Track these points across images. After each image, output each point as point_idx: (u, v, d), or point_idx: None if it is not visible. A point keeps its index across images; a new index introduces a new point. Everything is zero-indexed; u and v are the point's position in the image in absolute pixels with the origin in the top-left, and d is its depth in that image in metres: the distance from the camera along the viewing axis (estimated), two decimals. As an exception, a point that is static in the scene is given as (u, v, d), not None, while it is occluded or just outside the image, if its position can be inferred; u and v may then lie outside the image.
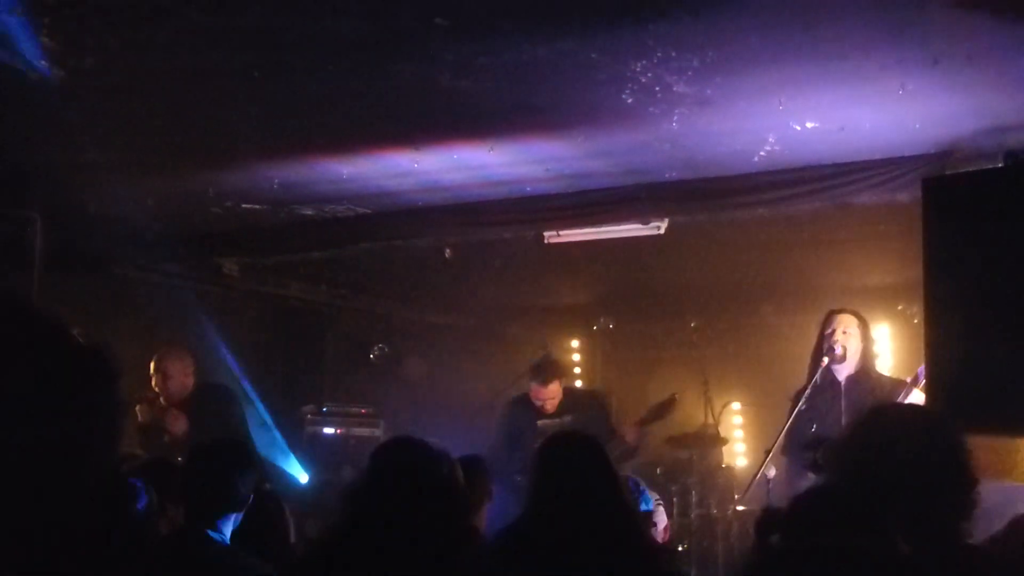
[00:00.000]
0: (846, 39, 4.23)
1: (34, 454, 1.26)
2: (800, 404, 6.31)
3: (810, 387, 6.35)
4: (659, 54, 4.41)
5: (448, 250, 7.95)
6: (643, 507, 4.98)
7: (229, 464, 4.16)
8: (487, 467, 5.59)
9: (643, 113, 5.17)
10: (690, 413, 9.32)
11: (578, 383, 11.44)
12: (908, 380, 6.09)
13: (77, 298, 7.68)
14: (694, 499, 9.08)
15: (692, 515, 9.00)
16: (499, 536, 4.22)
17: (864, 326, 6.54)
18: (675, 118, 5.26)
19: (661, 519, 5.58)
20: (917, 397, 5.80)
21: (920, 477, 2.66)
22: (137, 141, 5.86)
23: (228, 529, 4.06)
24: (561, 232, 7.29)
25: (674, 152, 5.88)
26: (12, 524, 1.23)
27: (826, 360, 6.38)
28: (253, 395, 8.85)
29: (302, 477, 9.22)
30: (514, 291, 10.42)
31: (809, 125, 5.37)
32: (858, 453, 2.81)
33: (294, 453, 9.33)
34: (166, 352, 7.40)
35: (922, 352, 5.31)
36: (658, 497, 5.73)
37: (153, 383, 7.28)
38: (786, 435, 6.27)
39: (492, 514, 5.44)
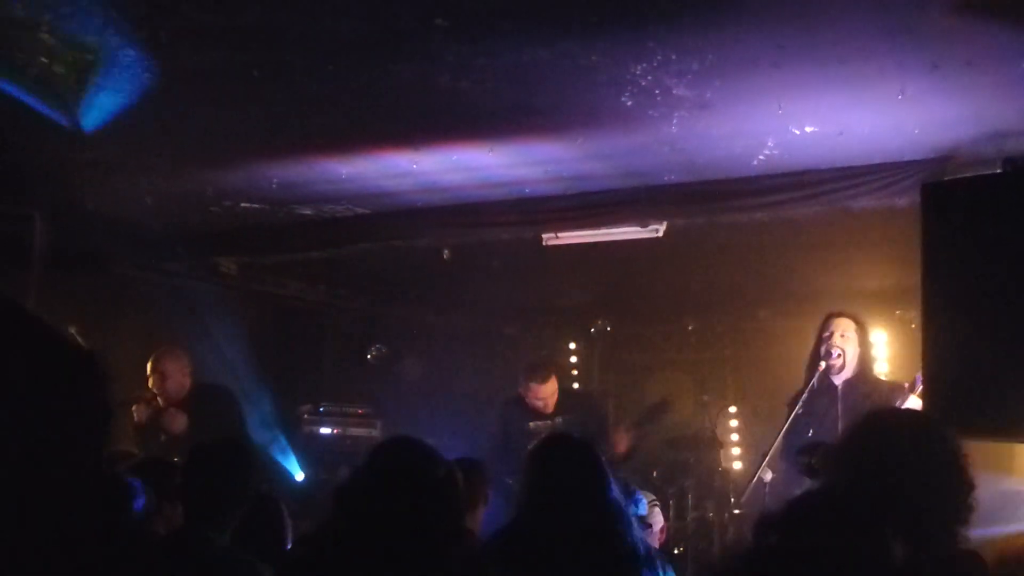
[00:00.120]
0: (846, 43, 4.24)
1: (20, 454, 1.25)
2: (797, 408, 6.31)
3: (807, 391, 6.35)
4: (659, 57, 4.41)
5: (446, 251, 7.95)
6: (635, 510, 4.97)
7: (229, 465, 4.16)
8: (485, 470, 5.60)
9: (642, 116, 5.17)
10: (687, 416, 9.33)
11: (575, 385, 11.44)
12: (906, 385, 6.09)
13: (76, 297, 7.69)
14: (691, 502, 9.09)
15: (689, 518, 9.02)
16: (493, 538, 4.22)
17: (862, 330, 6.55)
18: (674, 121, 5.26)
19: (657, 520, 5.59)
20: (914, 403, 5.80)
21: (917, 482, 2.66)
22: (136, 140, 5.86)
23: (228, 529, 4.06)
24: (560, 234, 7.29)
25: (673, 155, 5.89)
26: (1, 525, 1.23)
27: (823, 364, 6.38)
28: (250, 394, 8.84)
29: (298, 476, 9.22)
30: (512, 292, 10.42)
31: (808, 129, 5.37)
32: (855, 458, 2.81)
33: (291, 452, 9.33)
34: (163, 352, 7.40)
35: (919, 357, 5.31)
36: (654, 498, 5.74)
37: (151, 383, 7.28)
38: (783, 439, 6.27)
39: (484, 517, 5.44)
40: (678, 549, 8.63)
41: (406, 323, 11.43)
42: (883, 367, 7.94)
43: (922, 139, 5.49)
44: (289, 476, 9.18)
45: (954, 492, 2.67)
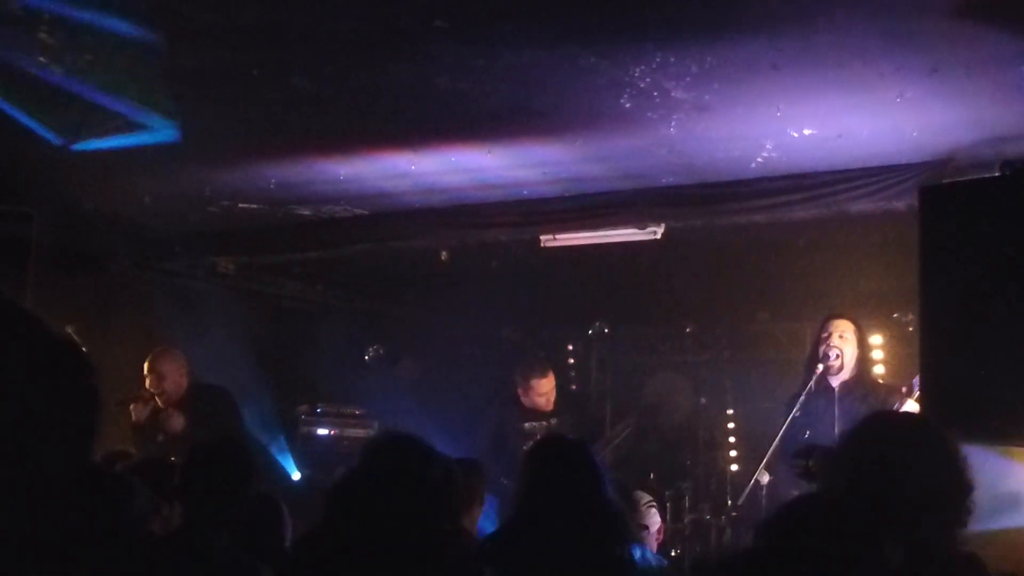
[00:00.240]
0: (845, 47, 4.24)
1: (5, 447, 1.25)
2: (794, 410, 6.31)
3: (805, 393, 6.35)
4: (658, 59, 4.41)
5: (444, 252, 7.95)
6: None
7: (229, 465, 4.15)
8: (482, 471, 5.59)
9: (641, 118, 5.17)
10: (684, 418, 9.33)
11: (572, 387, 11.42)
12: (903, 389, 6.09)
13: (74, 296, 7.68)
14: (688, 504, 9.08)
15: (686, 520, 9.00)
16: (488, 539, 4.22)
17: (860, 332, 6.55)
18: (673, 123, 5.26)
19: (654, 521, 5.58)
20: (912, 406, 5.80)
21: (915, 485, 2.66)
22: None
23: (227, 530, 4.05)
24: (558, 235, 7.29)
25: (671, 157, 5.89)
26: None
27: (821, 366, 6.38)
28: (248, 394, 8.84)
29: (295, 476, 9.21)
30: (510, 294, 10.41)
31: (807, 132, 5.38)
32: (853, 461, 2.81)
33: (288, 452, 9.32)
34: (161, 352, 7.39)
35: (917, 360, 5.31)
36: (651, 499, 5.73)
37: (148, 383, 7.27)
38: (780, 441, 6.27)
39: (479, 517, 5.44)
40: (675, 551, 8.62)
41: (404, 324, 11.41)
42: (880, 370, 7.94)
43: (920, 142, 5.49)
44: (286, 476, 9.17)
45: (952, 495, 2.67)
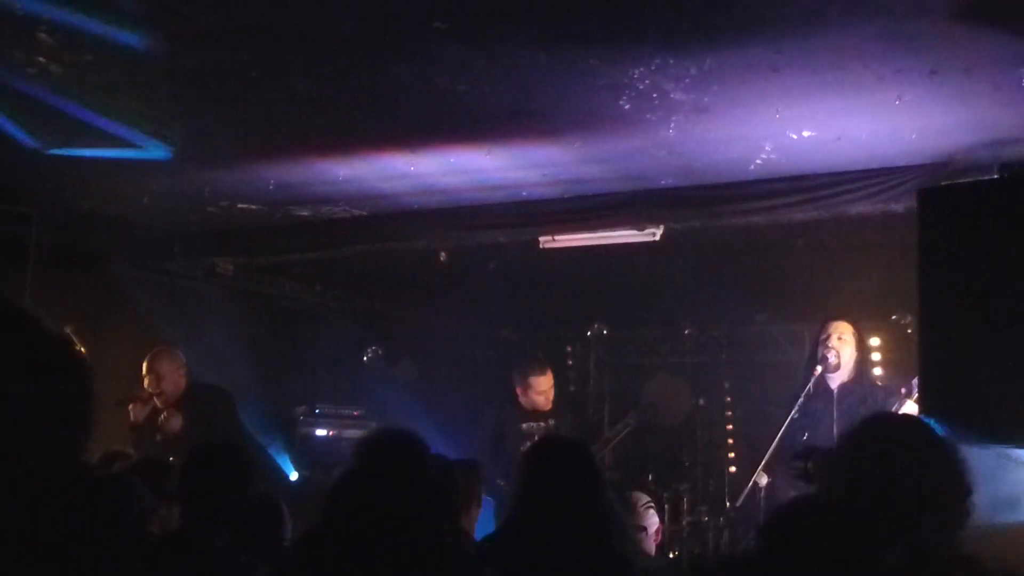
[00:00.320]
0: (844, 49, 4.24)
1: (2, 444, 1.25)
2: (793, 411, 6.32)
3: (803, 394, 6.36)
4: (657, 61, 4.41)
5: (443, 253, 7.95)
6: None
7: (228, 466, 4.15)
8: (480, 472, 5.59)
9: (640, 119, 5.18)
10: (682, 420, 9.33)
11: (570, 388, 11.42)
12: (902, 390, 6.10)
13: (72, 295, 7.68)
14: (686, 505, 9.08)
15: (683, 522, 9.00)
16: (485, 540, 4.22)
17: (858, 334, 6.56)
18: (672, 125, 5.26)
19: (652, 522, 5.58)
20: (911, 408, 5.80)
21: (913, 486, 2.66)
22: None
23: (225, 530, 4.05)
24: (556, 237, 7.29)
25: (670, 159, 5.89)
26: None
27: (819, 368, 6.39)
28: (246, 395, 8.84)
29: (292, 476, 9.21)
30: (508, 295, 10.42)
31: (806, 134, 5.38)
32: (851, 462, 2.81)
33: (285, 453, 9.32)
34: (159, 352, 7.39)
35: (915, 362, 5.31)
36: (649, 500, 5.73)
37: (146, 383, 7.26)
38: (778, 442, 6.28)
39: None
40: (673, 553, 8.62)
41: (402, 325, 11.42)
42: (879, 371, 7.95)
43: (919, 145, 5.50)
44: (283, 476, 9.17)
45: (951, 496, 2.67)
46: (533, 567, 3.69)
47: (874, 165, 5.88)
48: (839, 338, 6.46)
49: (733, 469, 10.36)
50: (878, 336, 8.22)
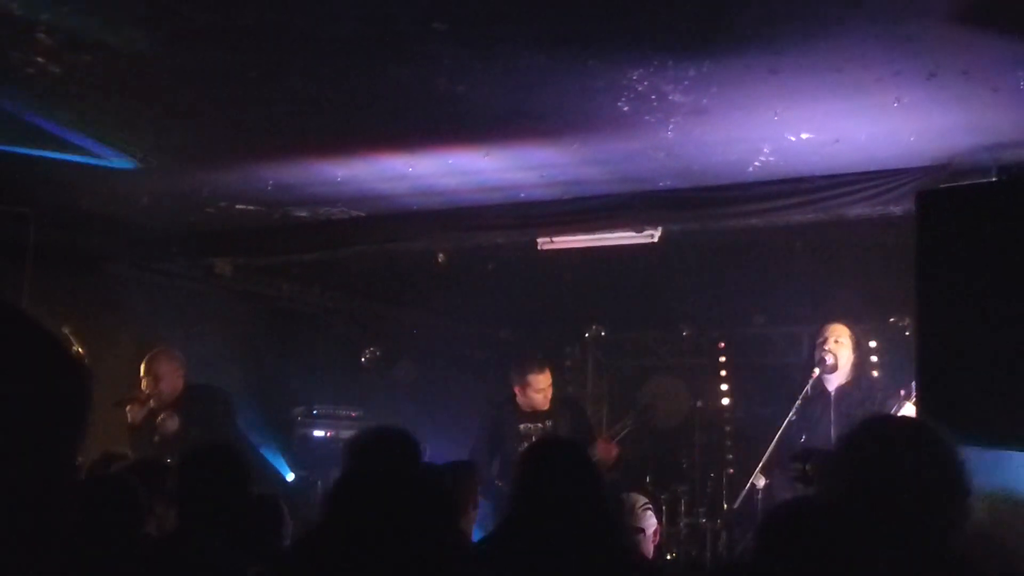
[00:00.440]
0: (842, 51, 4.24)
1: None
2: (791, 414, 6.32)
3: (801, 397, 6.37)
4: (656, 63, 4.41)
5: (441, 254, 7.95)
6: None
7: (224, 468, 4.15)
8: (477, 473, 5.59)
9: (639, 121, 5.18)
10: (680, 422, 9.33)
11: (568, 390, 11.42)
12: (901, 392, 6.10)
13: (70, 296, 7.68)
14: (683, 508, 9.08)
15: (681, 524, 9.00)
16: (484, 541, 4.21)
17: (855, 337, 6.56)
18: (670, 127, 5.26)
19: (650, 523, 5.57)
20: (910, 410, 5.81)
21: (912, 488, 2.66)
22: (132, 140, 5.85)
23: (222, 532, 4.05)
24: (555, 238, 7.29)
25: (669, 161, 5.89)
26: None
27: (817, 370, 6.39)
28: (244, 396, 8.83)
29: (289, 477, 9.21)
30: (507, 297, 10.42)
31: (804, 136, 5.38)
32: (849, 464, 2.81)
33: (283, 454, 9.31)
34: (158, 354, 7.38)
35: (914, 364, 5.32)
36: (647, 501, 5.72)
37: (144, 384, 7.26)
38: (776, 445, 6.28)
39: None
40: (671, 555, 8.62)
41: (400, 326, 11.42)
42: (877, 374, 7.95)
43: (918, 147, 5.50)
44: (280, 477, 9.17)
45: (950, 498, 2.67)
46: (531, 568, 3.68)
47: (872, 167, 5.88)
48: (836, 341, 6.47)
49: (731, 471, 10.37)
50: (876, 339, 8.23)
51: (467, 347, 11.83)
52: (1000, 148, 5.36)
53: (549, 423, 7.59)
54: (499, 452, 7.48)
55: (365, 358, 10.96)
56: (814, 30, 4.07)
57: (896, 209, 6.06)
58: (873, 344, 7.78)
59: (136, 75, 4.83)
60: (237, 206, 7.29)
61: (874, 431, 2.96)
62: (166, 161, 6.27)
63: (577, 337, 12.07)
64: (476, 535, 5.00)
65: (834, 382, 6.47)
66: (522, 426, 7.51)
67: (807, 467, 4.38)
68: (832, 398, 6.43)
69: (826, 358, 6.40)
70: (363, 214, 7.47)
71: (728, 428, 10.69)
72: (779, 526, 2.72)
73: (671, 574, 8.29)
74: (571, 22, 4.11)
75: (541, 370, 7.60)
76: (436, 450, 9.05)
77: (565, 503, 3.76)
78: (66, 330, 6.48)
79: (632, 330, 11.73)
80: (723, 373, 11.64)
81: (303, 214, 7.52)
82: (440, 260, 8.00)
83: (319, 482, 8.64)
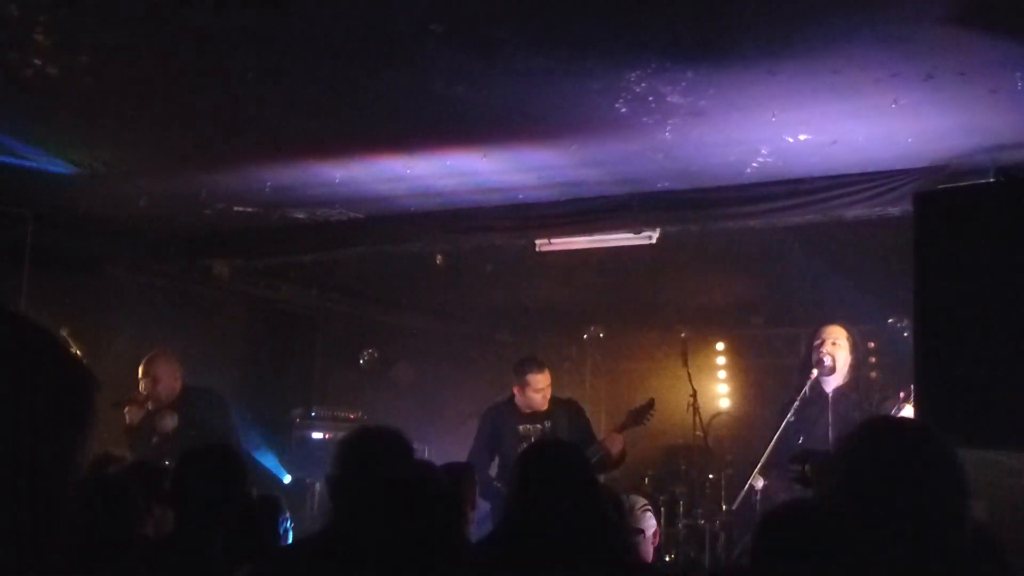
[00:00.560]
0: (840, 53, 4.24)
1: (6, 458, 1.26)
2: (788, 415, 6.32)
3: (799, 399, 6.37)
4: (654, 64, 4.41)
5: (439, 256, 7.95)
6: None
7: (221, 469, 4.14)
8: (474, 475, 5.58)
9: (636, 123, 5.18)
10: (678, 424, 9.32)
11: (566, 392, 11.42)
12: (901, 394, 6.10)
13: (67, 297, 7.67)
14: (682, 509, 9.08)
15: (679, 525, 9.00)
16: (480, 544, 4.21)
17: (852, 339, 6.56)
18: (668, 128, 5.27)
19: (650, 524, 5.57)
20: (909, 412, 5.81)
21: (911, 490, 2.66)
22: (130, 141, 5.86)
23: (220, 534, 4.05)
24: (553, 240, 7.29)
25: (667, 162, 5.89)
26: None
27: (815, 372, 6.40)
28: (241, 398, 8.83)
29: (286, 479, 9.20)
30: (505, 298, 10.42)
31: (802, 137, 5.38)
32: (848, 467, 2.81)
33: (280, 456, 9.31)
34: (155, 356, 7.38)
35: (912, 366, 5.32)
36: (645, 502, 5.72)
37: (142, 386, 7.25)
38: (774, 446, 6.29)
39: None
40: (669, 556, 8.62)
41: (398, 328, 11.42)
42: (874, 375, 7.96)
43: (915, 148, 5.50)
44: (277, 480, 9.16)
45: (950, 500, 2.67)
46: (529, 571, 3.68)
47: (870, 169, 5.89)
48: (833, 343, 6.47)
49: (729, 472, 10.38)
50: (874, 340, 8.24)
51: (465, 348, 11.83)
52: (998, 149, 5.36)
53: (548, 424, 7.59)
54: (498, 453, 7.48)
55: (363, 360, 10.97)
56: (812, 32, 4.07)
57: (894, 210, 6.07)
58: (871, 345, 7.79)
59: (133, 77, 4.83)
60: (235, 208, 7.28)
61: (873, 433, 2.96)
62: (163, 164, 6.27)
63: (575, 338, 12.08)
64: (474, 536, 4.99)
65: (832, 384, 6.47)
66: (521, 427, 7.50)
67: (806, 468, 4.38)
68: (830, 400, 6.43)
69: (824, 360, 6.41)
70: (361, 216, 7.46)
71: (727, 429, 10.69)
72: (776, 528, 2.72)
73: (670, 576, 8.28)
74: (569, 24, 4.11)
75: (540, 370, 7.60)
76: (435, 451, 9.06)
77: (562, 505, 3.76)
78: (64, 332, 6.48)
79: (630, 331, 11.74)
80: (721, 374, 11.66)
81: (301, 216, 7.52)
82: (438, 261, 8.00)
83: (317, 484, 8.64)
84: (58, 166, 6.14)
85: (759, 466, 6.33)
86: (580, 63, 4.43)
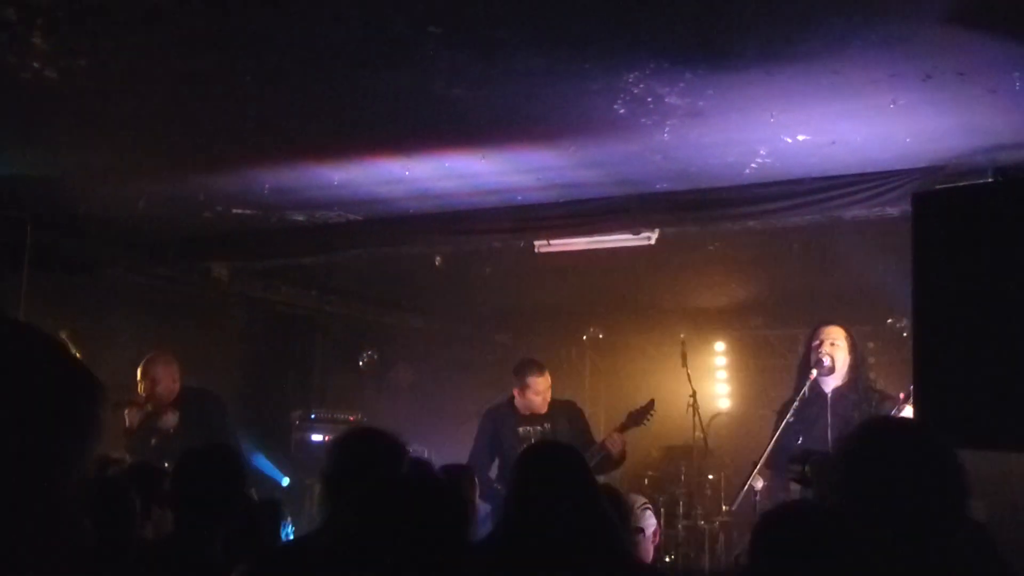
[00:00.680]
0: (838, 53, 4.24)
1: (9, 462, 1.27)
2: (788, 416, 6.32)
3: (798, 399, 6.36)
4: (652, 65, 4.41)
5: (438, 258, 7.96)
6: None
7: (220, 471, 4.14)
8: (474, 477, 5.58)
9: (635, 124, 5.18)
10: (678, 424, 9.33)
11: (565, 393, 11.42)
12: (901, 396, 6.09)
13: (67, 299, 7.68)
14: (681, 510, 9.08)
15: (679, 526, 9.01)
16: (480, 544, 4.21)
17: (851, 339, 6.56)
18: (667, 129, 5.27)
19: (650, 523, 5.57)
20: (910, 413, 5.80)
21: (911, 491, 2.66)
22: (129, 144, 5.85)
23: (219, 535, 4.05)
24: (552, 241, 7.29)
25: (665, 163, 5.90)
26: None
27: (814, 372, 6.39)
28: (240, 399, 8.83)
29: (284, 482, 9.20)
30: (504, 299, 10.42)
31: (800, 138, 5.39)
32: (848, 467, 2.81)
33: (280, 458, 9.31)
34: (154, 358, 7.39)
35: (911, 366, 5.32)
36: (645, 501, 5.72)
37: (141, 389, 7.26)
38: (773, 447, 6.28)
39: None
40: (669, 557, 8.63)
41: (398, 330, 11.43)
42: (873, 375, 7.97)
43: (914, 149, 5.50)
44: (275, 482, 9.16)
45: (949, 500, 2.67)
46: (528, 570, 3.68)
47: (869, 169, 5.89)
48: (832, 343, 6.47)
49: (728, 473, 10.38)
50: (874, 340, 8.25)
51: (465, 350, 11.83)
52: (996, 149, 5.36)
53: (547, 426, 7.59)
54: (498, 455, 7.49)
55: (363, 362, 10.98)
56: (810, 32, 4.07)
57: (893, 210, 6.07)
58: (871, 345, 7.80)
59: (132, 79, 4.82)
60: (234, 210, 7.28)
61: (873, 433, 2.96)
62: (162, 166, 6.27)
63: (575, 339, 12.08)
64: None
65: (831, 384, 6.47)
66: (521, 429, 7.51)
67: (806, 468, 4.38)
68: (829, 400, 6.43)
69: (823, 360, 6.40)
70: (360, 218, 7.46)
71: (726, 430, 10.70)
72: (773, 528, 2.72)
73: (669, 576, 8.28)
74: (567, 25, 4.11)
75: (541, 373, 7.61)
76: (434, 452, 9.06)
77: (561, 505, 3.76)
78: (64, 334, 6.48)
79: (629, 332, 11.75)
80: (721, 375, 11.67)
81: (300, 218, 7.52)
82: (437, 263, 8.00)
83: (316, 486, 8.63)
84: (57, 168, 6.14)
85: (758, 467, 6.32)
86: (579, 64, 4.43)
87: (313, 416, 9.83)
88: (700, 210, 6.59)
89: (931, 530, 2.64)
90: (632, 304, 10.61)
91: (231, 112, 5.32)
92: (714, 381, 11.56)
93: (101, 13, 4.07)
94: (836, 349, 6.45)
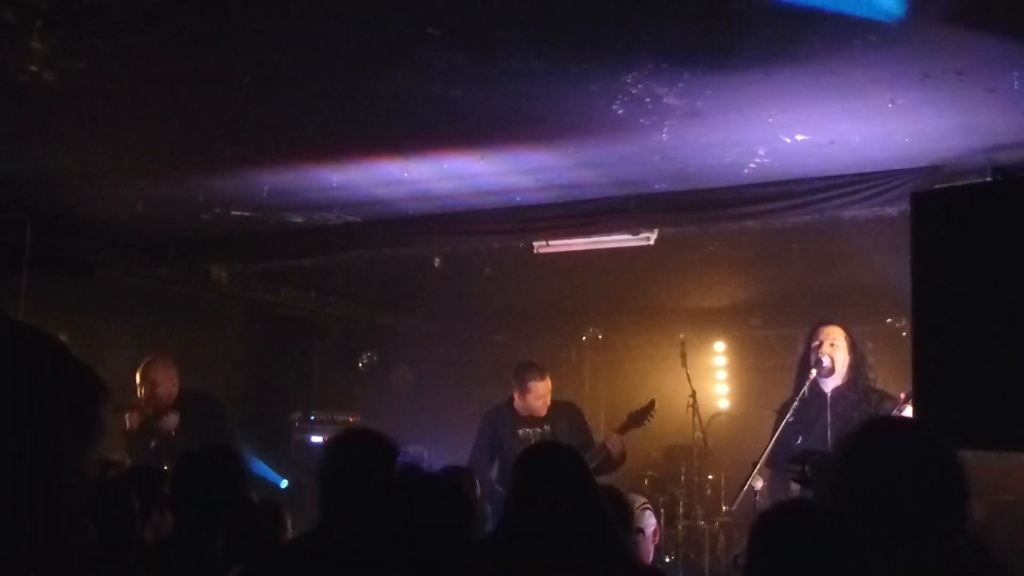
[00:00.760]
0: (837, 53, 4.25)
1: (11, 464, 1.27)
2: (787, 416, 6.32)
3: (797, 399, 6.36)
4: (650, 65, 4.41)
5: (437, 259, 7.95)
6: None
7: (219, 472, 4.14)
8: (474, 478, 5.58)
9: (633, 124, 5.18)
10: (678, 424, 9.33)
11: (565, 394, 11.42)
12: (901, 396, 6.09)
13: (66, 301, 7.67)
14: (681, 510, 9.09)
15: (679, 526, 9.01)
16: (480, 544, 4.21)
17: (850, 339, 6.56)
18: (665, 130, 5.27)
19: (650, 523, 5.57)
20: (909, 413, 5.80)
21: (911, 491, 2.66)
22: (128, 145, 5.85)
23: (218, 537, 4.05)
24: (551, 242, 7.30)
25: (664, 163, 5.90)
26: None
27: (813, 372, 6.40)
28: (240, 401, 8.83)
29: (283, 484, 9.20)
30: (503, 300, 10.42)
31: (799, 138, 5.39)
32: (848, 467, 2.82)
33: (279, 459, 9.30)
34: (153, 360, 7.39)
35: (911, 366, 5.32)
36: (645, 500, 5.72)
37: (140, 391, 7.26)
38: (773, 447, 6.28)
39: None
40: (669, 557, 8.63)
41: (397, 331, 11.42)
42: (872, 375, 7.97)
43: (912, 148, 5.50)
44: (274, 484, 9.16)
45: (949, 500, 2.67)
46: (528, 570, 3.68)
47: (867, 169, 5.89)
48: (832, 343, 6.47)
49: (728, 473, 10.39)
50: (873, 340, 8.24)
51: (464, 351, 11.83)
52: (995, 149, 5.36)
53: (547, 428, 7.60)
54: (498, 456, 7.49)
55: (362, 363, 10.98)
56: (808, 32, 4.07)
57: (891, 210, 6.07)
58: (870, 345, 7.80)
59: (131, 81, 4.82)
60: (233, 212, 7.28)
61: (873, 433, 2.96)
62: (161, 168, 6.27)
63: (574, 340, 12.08)
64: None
65: (830, 384, 6.47)
66: (521, 431, 7.51)
67: (805, 468, 4.38)
68: (828, 400, 6.43)
69: (823, 360, 6.40)
70: (359, 219, 7.46)
71: (725, 430, 10.71)
72: (771, 527, 2.73)
73: (669, 577, 8.28)
74: (566, 25, 4.11)
75: (541, 377, 7.62)
76: (434, 454, 9.06)
77: (561, 506, 3.76)
78: (63, 335, 6.48)
79: (628, 333, 11.75)
80: (721, 375, 11.67)
81: (299, 220, 7.52)
82: (436, 264, 8.00)
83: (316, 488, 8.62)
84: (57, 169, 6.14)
85: (758, 466, 6.32)
86: (577, 64, 4.43)
87: (312, 417, 9.83)
88: (699, 210, 6.59)
89: (931, 530, 2.64)
90: (632, 304, 10.61)
91: (230, 113, 5.32)
92: (714, 381, 11.56)
93: (100, 14, 4.07)
94: (836, 349, 6.45)
